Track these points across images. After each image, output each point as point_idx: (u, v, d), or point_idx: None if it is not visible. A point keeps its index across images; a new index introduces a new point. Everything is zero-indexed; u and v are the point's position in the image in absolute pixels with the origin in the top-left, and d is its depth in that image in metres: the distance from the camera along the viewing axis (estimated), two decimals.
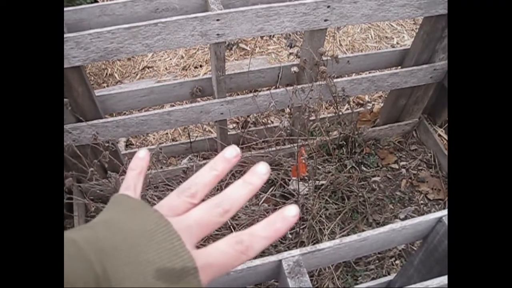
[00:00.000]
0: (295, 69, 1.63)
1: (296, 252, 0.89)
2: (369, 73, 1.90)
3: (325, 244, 0.91)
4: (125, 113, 2.18)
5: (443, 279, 0.89)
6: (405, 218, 1.94)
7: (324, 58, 1.71)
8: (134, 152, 1.94)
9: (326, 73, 1.61)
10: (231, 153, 0.49)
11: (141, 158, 0.55)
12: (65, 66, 1.36)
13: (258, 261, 0.87)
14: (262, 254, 1.68)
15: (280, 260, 0.88)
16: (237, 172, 2.03)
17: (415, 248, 1.82)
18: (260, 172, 0.47)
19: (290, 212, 0.44)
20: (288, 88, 1.68)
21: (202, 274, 0.41)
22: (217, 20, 1.38)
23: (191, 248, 0.42)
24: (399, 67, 2.02)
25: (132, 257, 0.39)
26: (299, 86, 1.66)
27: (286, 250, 0.90)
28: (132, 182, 0.52)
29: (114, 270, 0.38)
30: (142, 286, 0.38)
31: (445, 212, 0.99)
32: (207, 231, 0.45)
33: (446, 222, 0.97)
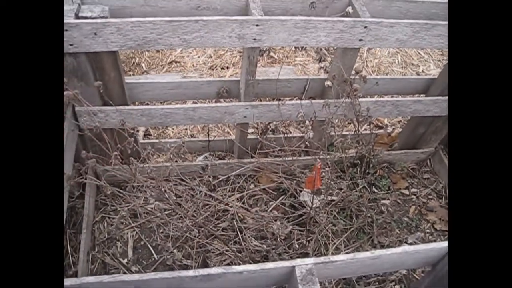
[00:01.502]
0: (328, 83, 1.65)
1: (310, 260, 0.91)
2: (393, 97, 1.92)
3: (339, 257, 0.93)
4: (147, 103, 2.20)
5: None
6: (413, 244, 1.95)
7: (353, 77, 1.73)
8: (152, 143, 1.96)
9: (359, 91, 1.63)
10: None
11: None
12: (102, 49, 1.39)
13: (271, 264, 0.89)
14: (266, 260, 1.70)
15: (294, 266, 0.90)
16: (250, 176, 2.06)
17: (416, 275, 1.82)
18: None
19: None
20: (314, 101, 1.70)
21: None
22: (257, 25, 1.40)
23: None
24: (423, 95, 2.03)
25: None
26: (329, 101, 1.68)
27: (289, 260, 0.92)
28: None
29: None
30: None
31: None
32: None
33: None
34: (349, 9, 1.52)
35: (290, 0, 1.54)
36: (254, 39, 1.44)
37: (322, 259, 0.92)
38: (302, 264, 0.90)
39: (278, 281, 0.95)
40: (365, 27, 1.50)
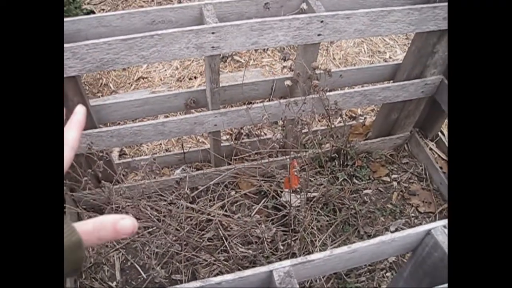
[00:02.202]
0: (288, 82, 1.65)
1: (287, 263, 0.90)
2: (362, 87, 1.93)
3: (316, 255, 0.93)
4: (119, 123, 2.19)
5: None
6: (396, 231, 1.96)
7: (318, 72, 1.73)
8: (128, 162, 1.94)
9: (319, 86, 1.63)
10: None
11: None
12: None
13: (249, 272, 0.88)
14: (254, 265, 1.69)
15: (271, 271, 0.89)
16: (229, 183, 2.05)
17: (405, 260, 1.83)
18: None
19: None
20: (282, 100, 1.70)
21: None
22: (212, 33, 1.40)
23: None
24: (391, 81, 2.05)
25: None
26: (292, 99, 1.68)
27: (285, 260, 0.92)
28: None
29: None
30: None
31: (434, 224, 1.00)
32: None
33: (435, 234, 0.99)
34: (304, 5, 1.52)
35: (244, 4, 1.54)
36: (212, 47, 1.44)
37: (299, 259, 0.91)
38: (280, 268, 0.89)
39: (258, 287, 0.94)
40: (322, 21, 1.50)
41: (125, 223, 0.50)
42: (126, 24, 1.48)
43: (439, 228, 0.99)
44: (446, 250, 0.96)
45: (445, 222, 1.01)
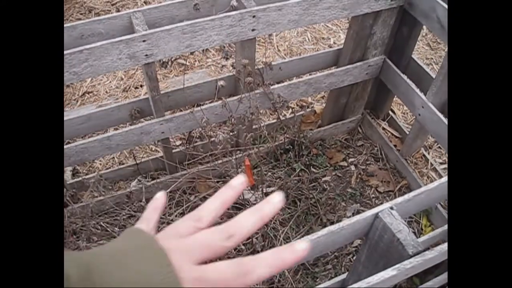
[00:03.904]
0: (222, 82, 1.64)
1: None
2: (310, 75, 1.93)
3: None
4: (68, 142, 2.14)
5: (384, 274, 0.91)
6: (353, 215, 1.97)
7: (260, 67, 1.72)
8: (81, 181, 1.90)
9: (256, 82, 1.62)
10: (236, 182, 0.50)
11: (157, 198, 0.55)
12: None
13: None
14: None
15: None
16: (188, 188, 2.02)
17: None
18: (273, 200, 0.47)
19: (300, 246, 0.44)
20: (225, 100, 1.69)
21: (195, 285, 0.41)
22: (143, 41, 1.37)
23: (189, 265, 0.42)
24: (336, 67, 2.05)
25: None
26: (230, 99, 1.67)
27: None
28: (147, 216, 0.53)
29: None
30: None
31: (380, 207, 1.00)
32: (209, 253, 0.45)
33: (383, 217, 0.99)
34: (233, 2, 1.51)
35: (174, 7, 1.51)
36: (146, 55, 1.41)
37: None
38: None
39: None
40: (254, 16, 1.48)
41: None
42: None
43: (386, 211, 0.99)
44: (394, 231, 0.96)
45: (391, 203, 1.01)
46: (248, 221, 0.47)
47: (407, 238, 0.95)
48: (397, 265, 0.91)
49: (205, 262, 0.45)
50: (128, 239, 0.46)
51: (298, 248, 0.44)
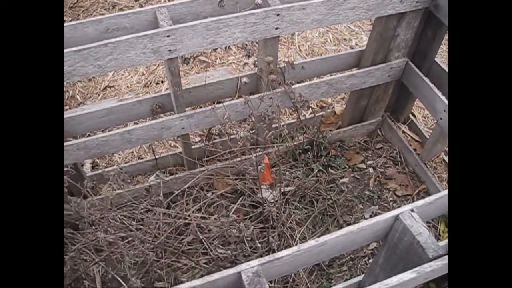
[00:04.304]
0: (245, 79, 1.64)
1: (254, 262, 0.89)
2: (331, 75, 1.92)
3: (284, 252, 0.91)
4: (89, 135, 2.16)
5: (403, 276, 0.90)
6: (371, 218, 1.96)
7: (282, 65, 1.72)
8: (100, 174, 1.92)
9: (277, 81, 1.62)
10: None
11: None
12: None
13: (216, 275, 0.87)
14: (235, 265, 1.68)
15: (239, 272, 0.88)
16: (205, 185, 2.03)
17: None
18: None
19: None
20: (246, 98, 1.69)
21: None
22: (168, 36, 1.38)
23: None
24: (357, 68, 2.04)
25: None
26: (252, 96, 1.67)
27: (254, 260, 0.90)
28: None
29: None
30: None
31: (401, 209, 1.00)
32: None
33: (403, 219, 0.98)
34: (258, 0, 1.51)
35: (198, 3, 1.52)
36: (169, 50, 1.42)
37: (267, 258, 0.90)
38: (248, 268, 0.88)
39: None
40: (278, 14, 1.48)
41: None
42: (80, 34, 1.45)
43: (406, 213, 0.99)
44: (415, 234, 0.95)
45: (412, 205, 1.00)
46: None
47: (427, 241, 0.94)
48: (416, 268, 0.90)
49: None
50: None
51: None
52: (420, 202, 1.01)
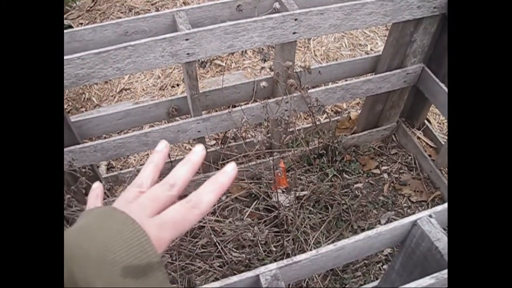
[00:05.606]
0: (264, 83, 1.65)
1: (273, 266, 0.89)
2: (346, 81, 1.92)
3: (302, 256, 0.92)
4: (105, 137, 2.17)
5: (422, 282, 0.90)
6: (387, 223, 1.95)
7: (298, 70, 1.73)
8: (116, 175, 1.93)
9: (295, 85, 1.62)
10: (160, 147, 0.57)
11: (95, 188, 0.63)
12: None
13: (235, 278, 0.87)
14: (249, 269, 1.68)
15: (258, 275, 0.88)
16: None
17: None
18: (197, 151, 0.55)
19: (229, 167, 0.52)
20: (262, 102, 1.70)
21: (161, 232, 0.47)
22: (186, 39, 1.39)
23: (147, 218, 0.47)
24: (373, 73, 2.04)
25: (100, 257, 0.42)
26: (270, 100, 1.68)
27: (272, 263, 0.90)
28: (91, 205, 0.60)
29: (81, 271, 0.40)
30: (110, 285, 0.41)
31: (419, 215, 0.99)
32: (159, 204, 0.50)
33: (421, 225, 0.98)
34: (276, 4, 1.51)
35: (217, 7, 1.53)
36: (188, 53, 1.43)
37: (285, 261, 0.90)
38: (266, 271, 0.88)
39: None
40: (296, 19, 1.49)
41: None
42: (99, 37, 1.47)
43: (424, 218, 0.98)
44: (433, 239, 0.95)
45: (430, 211, 1.00)
46: (181, 170, 0.53)
47: (446, 247, 0.94)
48: (435, 274, 0.90)
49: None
50: (87, 216, 0.50)
51: (228, 170, 0.52)
52: (439, 207, 1.00)
